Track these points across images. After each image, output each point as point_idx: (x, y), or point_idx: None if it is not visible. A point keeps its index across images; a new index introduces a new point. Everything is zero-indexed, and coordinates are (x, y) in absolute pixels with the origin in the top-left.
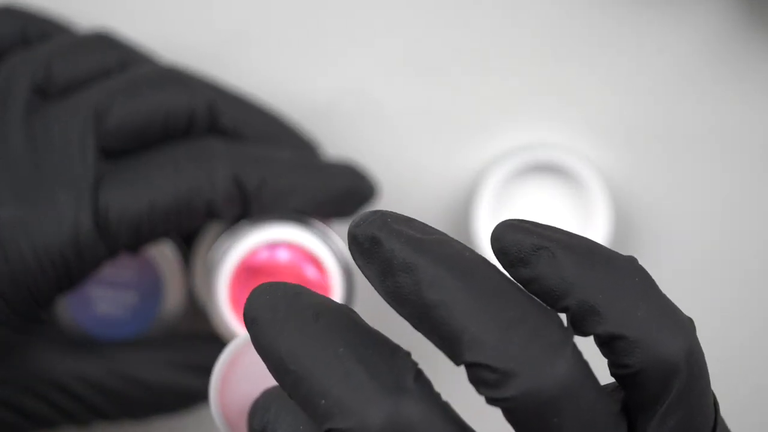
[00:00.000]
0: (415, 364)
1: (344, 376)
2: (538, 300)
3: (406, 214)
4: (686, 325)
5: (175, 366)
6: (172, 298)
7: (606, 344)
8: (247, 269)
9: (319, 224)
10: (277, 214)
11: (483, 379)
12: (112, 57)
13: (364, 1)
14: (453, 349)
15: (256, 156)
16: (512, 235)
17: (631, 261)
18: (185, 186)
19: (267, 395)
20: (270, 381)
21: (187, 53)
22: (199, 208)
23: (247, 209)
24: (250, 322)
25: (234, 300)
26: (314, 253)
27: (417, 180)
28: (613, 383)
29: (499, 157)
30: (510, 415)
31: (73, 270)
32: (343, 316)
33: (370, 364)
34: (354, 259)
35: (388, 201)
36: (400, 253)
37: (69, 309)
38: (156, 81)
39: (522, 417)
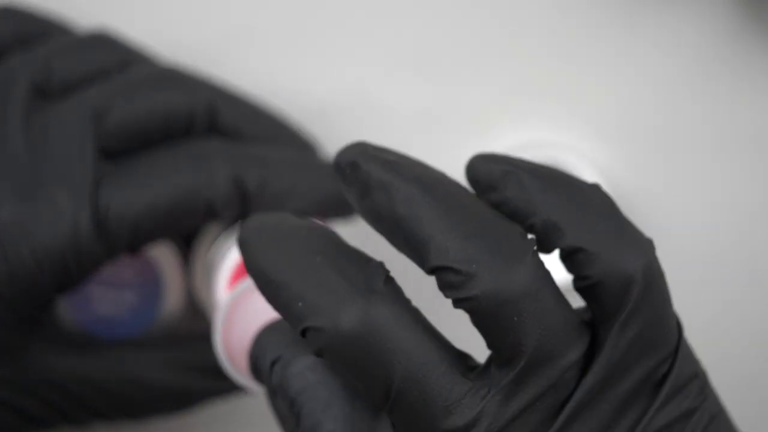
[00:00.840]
0: (386, 270)
1: (319, 281)
2: (504, 216)
3: None
4: (644, 243)
5: (174, 366)
6: (172, 299)
7: (568, 258)
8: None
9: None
10: None
11: (448, 281)
12: (112, 57)
13: (364, 1)
14: (421, 257)
15: (256, 156)
16: (484, 165)
17: (596, 186)
18: (185, 186)
19: (260, 330)
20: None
21: (187, 53)
22: (198, 208)
23: (247, 209)
24: (240, 246)
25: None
26: None
27: None
28: (581, 305)
29: None
30: (474, 317)
31: (73, 270)
32: (323, 233)
33: (344, 270)
34: (339, 186)
35: None
36: (375, 174)
37: (69, 309)
38: (156, 81)
39: (485, 318)
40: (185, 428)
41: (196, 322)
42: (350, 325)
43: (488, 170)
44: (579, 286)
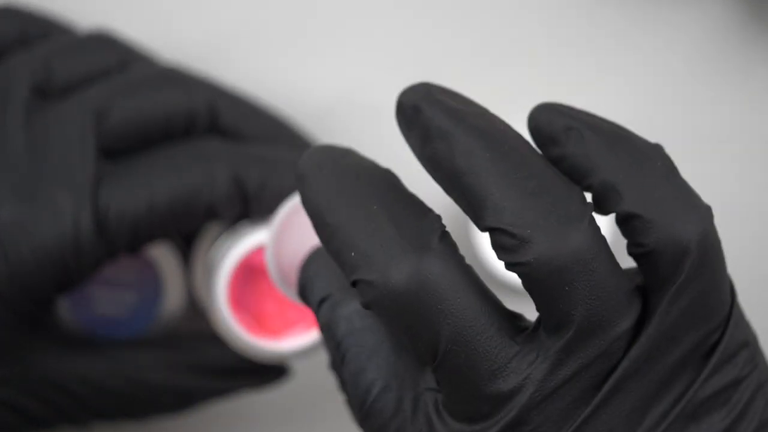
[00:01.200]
0: (443, 226)
1: (374, 232)
2: (564, 176)
3: None
4: (703, 211)
5: (174, 366)
6: (172, 299)
7: (624, 223)
8: (247, 269)
9: None
10: None
11: (502, 243)
12: (112, 57)
13: (364, 2)
14: (477, 214)
15: (256, 156)
16: (547, 115)
17: (657, 147)
18: (185, 186)
19: (312, 253)
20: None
21: (187, 53)
22: (199, 208)
23: (247, 209)
24: (299, 178)
25: (234, 300)
26: None
27: (417, 181)
28: (634, 267)
29: None
30: (526, 281)
31: (73, 270)
32: (383, 178)
33: (400, 222)
34: (399, 128)
35: None
36: (438, 122)
37: (69, 309)
38: (156, 81)
39: (536, 284)
40: (185, 428)
41: (196, 322)
42: (401, 281)
43: (550, 121)
44: (633, 252)
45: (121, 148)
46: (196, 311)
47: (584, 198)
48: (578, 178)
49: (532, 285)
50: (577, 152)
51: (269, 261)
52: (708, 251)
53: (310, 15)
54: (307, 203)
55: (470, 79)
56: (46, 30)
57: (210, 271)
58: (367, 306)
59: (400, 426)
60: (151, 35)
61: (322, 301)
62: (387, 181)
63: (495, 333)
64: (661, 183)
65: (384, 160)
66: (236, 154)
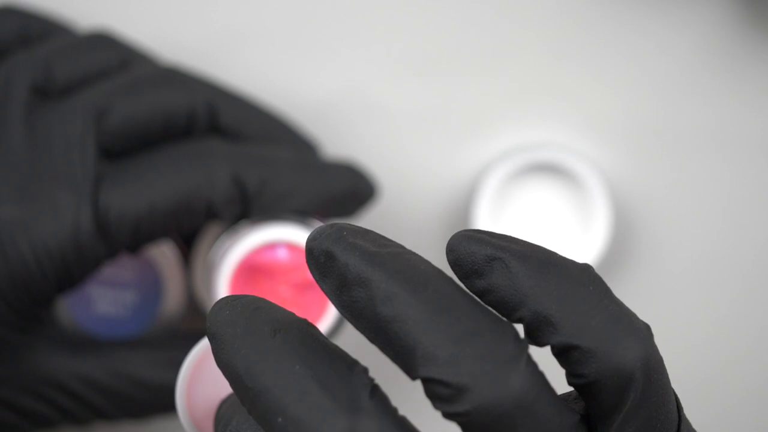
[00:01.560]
0: (371, 380)
1: (300, 394)
2: (494, 312)
3: (405, 214)
4: (642, 333)
5: (175, 366)
6: (172, 298)
7: (561, 354)
8: (247, 269)
9: (319, 224)
10: (277, 214)
11: (438, 394)
12: (112, 57)
13: (364, 2)
14: (407, 364)
15: (256, 156)
16: (466, 247)
17: (586, 269)
18: (185, 186)
19: (229, 404)
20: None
21: (187, 53)
22: (199, 208)
23: (247, 209)
24: (211, 337)
25: None
26: None
27: (417, 180)
28: (573, 391)
29: (499, 157)
30: (467, 430)
31: (73, 270)
32: (301, 332)
33: (326, 381)
34: (311, 273)
35: (387, 201)
36: (354, 268)
37: (69, 309)
38: (156, 81)
39: None
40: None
41: (196, 321)
42: None
43: (471, 252)
44: (574, 383)
45: (121, 148)
46: (196, 311)
47: (518, 335)
48: (507, 311)
49: None
50: (503, 284)
51: (180, 409)
52: (651, 375)
53: (310, 15)
54: (223, 365)
55: (470, 79)
56: (46, 30)
57: (210, 271)
58: None
59: None
60: (151, 35)
61: None
62: (305, 334)
63: None
64: (596, 309)
65: (384, 160)
66: (236, 154)
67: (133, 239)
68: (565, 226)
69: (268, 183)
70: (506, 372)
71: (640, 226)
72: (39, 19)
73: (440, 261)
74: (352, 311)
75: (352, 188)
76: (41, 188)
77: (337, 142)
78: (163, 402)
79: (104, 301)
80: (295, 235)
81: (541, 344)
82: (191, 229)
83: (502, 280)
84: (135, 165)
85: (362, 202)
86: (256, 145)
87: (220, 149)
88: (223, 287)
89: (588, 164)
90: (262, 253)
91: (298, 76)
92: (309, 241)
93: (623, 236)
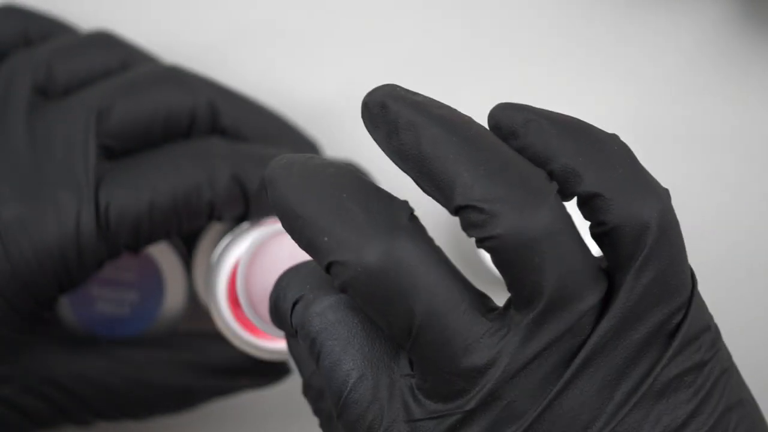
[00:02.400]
0: (411, 208)
1: (346, 217)
2: (527, 160)
3: None
4: (661, 192)
5: (175, 365)
6: (173, 298)
7: (585, 204)
8: None
9: None
10: None
11: (472, 220)
12: (113, 57)
13: (364, 2)
14: (446, 196)
15: (256, 156)
16: (506, 112)
17: (614, 136)
18: (186, 186)
19: (282, 274)
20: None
21: (187, 53)
22: (199, 208)
23: (248, 209)
24: (268, 183)
25: (234, 300)
26: None
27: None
28: (599, 255)
29: None
30: (496, 257)
31: (74, 269)
32: (348, 171)
33: (370, 207)
34: (365, 126)
35: None
36: (404, 114)
37: (70, 308)
38: (157, 81)
39: (506, 257)
40: (186, 427)
41: (197, 321)
42: (375, 259)
43: (510, 117)
44: (595, 232)
45: (122, 148)
46: (197, 311)
47: (548, 177)
48: (539, 165)
49: (502, 259)
50: (536, 141)
51: (241, 298)
52: (667, 229)
53: (309, 15)
54: (277, 203)
55: (469, 79)
56: (47, 30)
57: (210, 271)
58: (343, 287)
59: (377, 414)
60: (152, 35)
61: (295, 303)
62: (353, 173)
63: (467, 308)
64: (620, 166)
65: (384, 160)
66: (237, 154)
67: (133, 239)
68: None
69: None
70: (536, 202)
71: None
72: (40, 18)
73: None
74: (399, 154)
75: None
76: (42, 188)
77: (337, 143)
78: (163, 402)
79: (105, 300)
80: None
81: (568, 195)
82: (192, 229)
83: (535, 138)
84: (136, 165)
85: None
86: (256, 145)
87: (221, 149)
88: (223, 287)
89: None
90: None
91: (299, 76)
92: (365, 97)
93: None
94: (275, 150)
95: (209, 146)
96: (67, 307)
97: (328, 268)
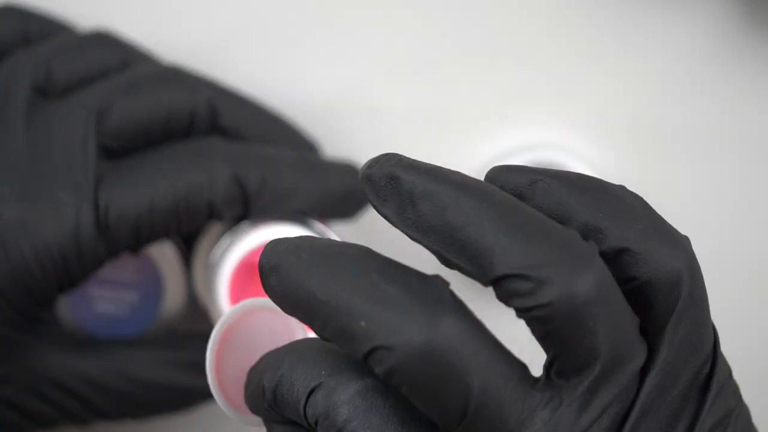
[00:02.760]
0: (447, 282)
1: (383, 297)
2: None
3: None
4: (683, 240)
5: (175, 365)
6: (173, 298)
7: (613, 260)
8: (248, 269)
9: (319, 224)
10: (278, 214)
11: (516, 289)
12: (112, 56)
13: (363, 2)
14: (483, 266)
15: (256, 156)
16: (506, 175)
17: (623, 187)
18: (186, 186)
19: (272, 355)
20: (264, 350)
21: (187, 53)
22: (199, 208)
23: (248, 209)
24: (271, 270)
25: (234, 300)
26: None
27: None
28: None
29: (499, 157)
30: (543, 326)
31: (74, 269)
32: (367, 251)
33: (406, 284)
34: (370, 201)
35: None
36: (420, 184)
37: (69, 308)
38: (157, 80)
39: (557, 324)
40: (185, 428)
41: (197, 321)
42: (425, 340)
43: (513, 180)
44: (626, 288)
45: (121, 148)
46: (197, 311)
47: (582, 235)
48: None
49: (552, 327)
50: (548, 202)
51: (210, 381)
52: (696, 278)
53: (309, 15)
54: (291, 291)
55: (469, 79)
56: (46, 30)
57: (210, 271)
58: (387, 374)
59: None
60: (151, 35)
61: (312, 391)
62: (373, 253)
63: (518, 382)
64: (639, 217)
65: None
66: (237, 154)
67: (133, 239)
68: None
69: (268, 183)
70: (583, 264)
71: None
72: (39, 18)
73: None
74: (419, 226)
75: (353, 188)
76: (42, 188)
77: (336, 143)
78: (163, 402)
79: (104, 300)
80: (295, 235)
81: None
82: (191, 229)
83: (546, 199)
84: (135, 164)
85: (363, 202)
86: (256, 145)
87: (221, 149)
88: (223, 287)
89: (587, 164)
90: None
91: (299, 77)
92: (366, 169)
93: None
94: (275, 150)
95: (209, 146)
96: (66, 308)
97: (367, 355)
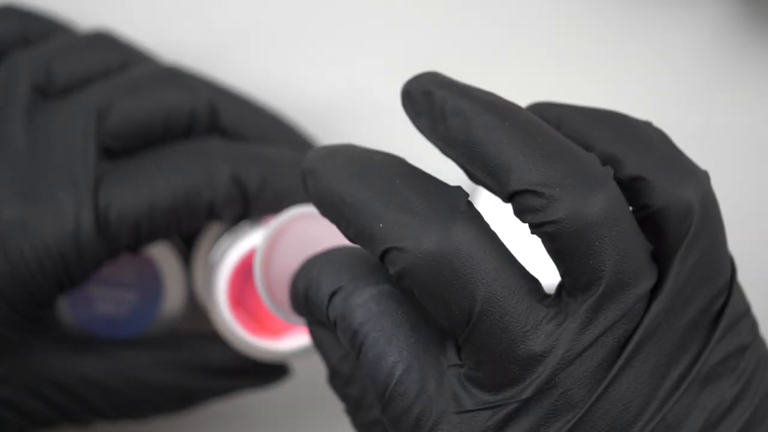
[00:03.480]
0: (466, 194)
1: (402, 202)
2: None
3: None
4: (700, 174)
5: (175, 366)
6: (172, 298)
7: (628, 188)
8: (248, 269)
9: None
10: (278, 214)
11: (529, 205)
12: (112, 57)
13: (364, 2)
14: (501, 180)
15: (256, 156)
16: (538, 110)
17: (648, 123)
18: (185, 186)
19: (309, 260)
20: (308, 255)
21: (187, 53)
22: (199, 208)
23: (248, 209)
24: (308, 172)
25: (234, 300)
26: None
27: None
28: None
29: None
30: (554, 242)
31: (74, 269)
32: (397, 158)
33: (427, 192)
34: (407, 114)
35: None
36: (451, 100)
37: (69, 308)
38: (157, 80)
39: (565, 242)
40: (185, 428)
41: (197, 322)
42: (435, 244)
43: (542, 115)
44: (639, 215)
45: (121, 148)
46: (197, 311)
47: (600, 161)
48: None
49: (560, 244)
50: (573, 132)
51: (258, 283)
52: (710, 209)
53: (309, 15)
54: (322, 190)
55: (470, 80)
56: (46, 30)
57: (210, 271)
58: (399, 275)
59: (425, 406)
60: (151, 35)
61: (333, 294)
62: (401, 162)
63: (525, 295)
64: (658, 149)
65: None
66: (236, 154)
67: (133, 239)
68: None
69: (268, 183)
70: (595, 186)
71: None
72: (39, 18)
73: None
74: (448, 140)
75: None
76: (42, 188)
77: (337, 142)
78: (163, 402)
79: (104, 300)
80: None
81: None
82: (191, 229)
83: (571, 130)
84: (135, 165)
85: None
86: (256, 145)
87: (221, 149)
88: (223, 287)
89: None
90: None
91: (299, 76)
92: (406, 85)
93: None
94: (275, 150)
95: (209, 146)
96: (66, 308)
97: (383, 255)
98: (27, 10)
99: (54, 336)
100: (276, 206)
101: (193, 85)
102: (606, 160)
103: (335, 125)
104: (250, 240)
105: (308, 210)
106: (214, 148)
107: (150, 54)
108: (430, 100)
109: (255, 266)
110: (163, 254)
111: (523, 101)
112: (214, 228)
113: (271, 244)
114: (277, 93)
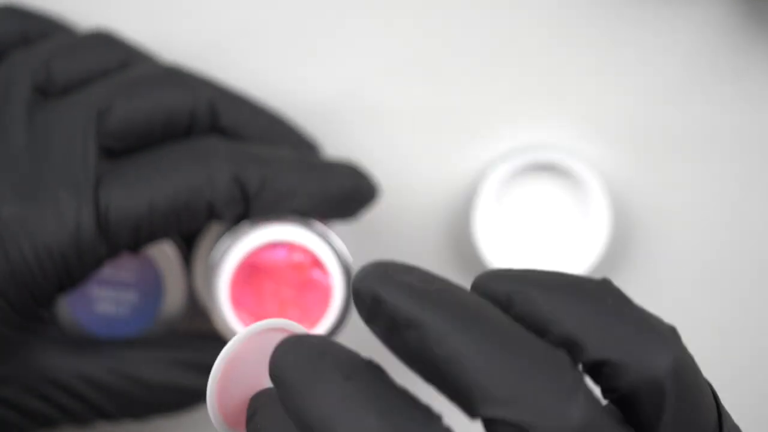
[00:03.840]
0: (447, 428)
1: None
2: (543, 342)
3: (405, 215)
4: (668, 336)
5: (175, 365)
6: (173, 298)
7: (593, 372)
8: (248, 269)
9: (319, 224)
10: (278, 214)
11: None
12: (112, 56)
13: (364, 2)
14: (467, 404)
15: (256, 156)
16: (489, 283)
17: (603, 284)
18: (186, 186)
19: (256, 398)
20: (266, 381)
21: (188, 53)
22: (199, 208)
23: (248, 209)
24: (278, 383)
25: (234, 300)
26: (315, 253)
27: (417, 180)
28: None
29: (499, 157)
30: None
31: (74, 269)
32: (372, 377)
33: (398, 411)
34: (360, 316)
35: (387, 202)
36: (403, 310)
37: (70, 308)
38: (157, 80)
39: None
40: (185, 428)
41: (197, 321)
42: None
43: (492, 291)
44: (610, 398)
45: (121, 148)
46: (197, 311)
47: (572, 363)
48: (538, 335)
49: None
50: (526, 315)
51: (210, 407)
52: (683, 378)
53: (310, 15)
54: (295, 414)
55: (470, 80)
56: (46, 29)
57: (211, 271)
58: None
59: None
60: (151, 35)
61: None
62: (376, 380)
63: None
64: (617, 322)
65: (384, 160)
66: (237, 154)
67: (133, 239)
68: (565, 227)
69: (268, 183)
70: (566, 405)
71: (639, 227)
72: (39, 18)
73: (441, 262)
74: (404, 354)
75: (354, 188)
76: (42, 187)
77: (337, 143)
78: (163, 401)
79: (104, 300)
80: (295, 235)
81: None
82: (192, 228)
83: (526, 308)
84: (135, 164)
85: (363, 202)
86: (256, 145)
87: (221, 149)
88: (223, 287)
89: (588, 165)
90: (262, 253)
91: (299, 77)
92: (356, 282)
93: (623, 237)
94: (275, 150)
95: (209, 146)
96: (66, 307)
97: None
98: (27, 10)
99: (54, 336)
100: (276, 206)
101: (194, 85)
102: (566, 344)
103: (335, 125)
104: (251, 240)
105: (266, 324)
106: (215, 148)
107: (150, 54)
108: (381, 308)
109: (208, 389)
110: (163, 254)
111: (522, 101)
112: (214, 228)
113: (228, 364)
114: (277, 93)
